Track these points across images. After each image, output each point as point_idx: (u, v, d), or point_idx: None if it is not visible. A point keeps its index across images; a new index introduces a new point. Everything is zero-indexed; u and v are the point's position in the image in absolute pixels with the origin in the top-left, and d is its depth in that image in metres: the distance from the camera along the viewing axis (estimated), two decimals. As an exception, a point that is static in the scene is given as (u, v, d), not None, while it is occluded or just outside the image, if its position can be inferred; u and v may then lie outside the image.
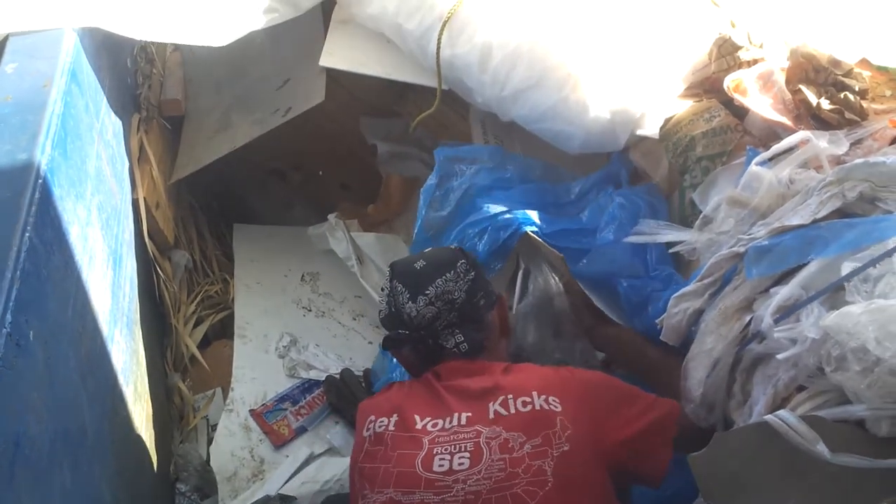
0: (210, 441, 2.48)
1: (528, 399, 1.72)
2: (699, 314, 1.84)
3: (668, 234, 2.09)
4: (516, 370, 1.83)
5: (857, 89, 2.05)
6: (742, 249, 1.78)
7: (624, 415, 1.74)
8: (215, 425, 2.51)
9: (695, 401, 1.76)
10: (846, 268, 1.50)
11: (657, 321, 1.94)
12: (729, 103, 2.19)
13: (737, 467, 1.43)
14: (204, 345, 2.75)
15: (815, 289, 1.56)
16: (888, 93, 2.10)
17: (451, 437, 1.69)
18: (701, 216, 2.03)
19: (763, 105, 2.10)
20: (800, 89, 2.08)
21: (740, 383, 1.69)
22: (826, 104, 2.03)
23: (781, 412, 1.42)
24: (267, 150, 3.13)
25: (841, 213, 1.72)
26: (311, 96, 2.73)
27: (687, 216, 2.18)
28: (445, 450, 1.68)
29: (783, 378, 1.54)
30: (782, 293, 1.61)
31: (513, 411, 1.70)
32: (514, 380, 1.78)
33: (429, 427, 1.73)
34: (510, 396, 1.72)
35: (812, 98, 2.05)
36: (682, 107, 2.28)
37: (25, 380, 1.44)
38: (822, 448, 1.34)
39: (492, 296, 1.95)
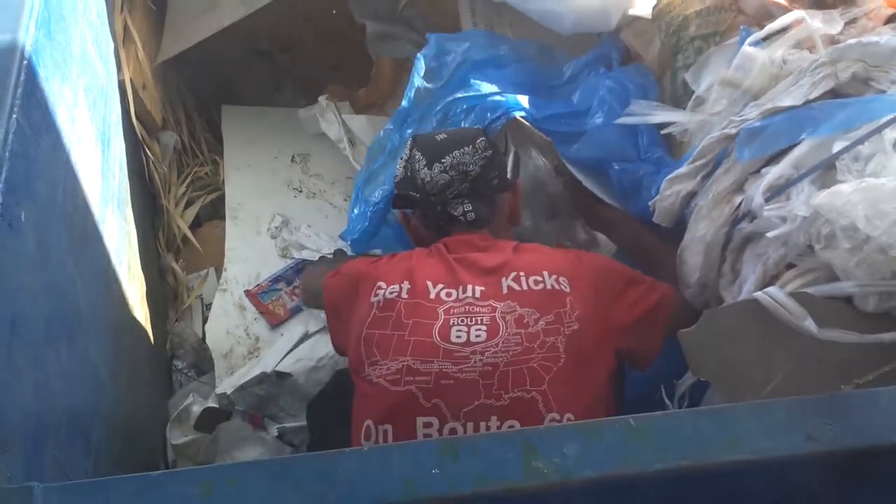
0: (205, 320, 2.52)
1: (539, 278, 1.74)
2: (691, 196, 1.85)
3: (660, 115, 2.08)
4: (526, 249, 1.85)
5: (853, -34, 2.02)
6: (734, 131, 1.77)
7: (629, 298, 1.79)
8: (210, 304, 2.55)
9: (692, 286, 1.78)
10: (837, 146, 1.50)
11: (650, 203, 1.95)
12: (723, -19, 2.16)
13: (726, 343, 1.46)
14: (195, 226, 2.76)
15: (806, 167, 1.57)
16: (885, -30, 2.07)
17: (467, 308, 1.71)
18: (693, 97, 2.02)
19: (758, -17, 2.07)
20: (795, -34, 2.05)
21: (730, 262, 1.71)
22: (821, -18, 2.01)
23: (770, 289, 1.44)
24: (254, 30, 3.08)
25: (834, 93, 1.71)
26: (298, -27, 2.68)
27: (679, 97, 2.17)
28: (462, 321, 1.69)
29: (773, 256, 1.56)
30: (773, 172, 1.62)
31: (525, 288, 1.73)
32: (524, 258, 1.80)
33: (442, 296, 1.74)
34: (522, 274, 1.75)
35: (808, -25, 2.02)
36: (676, -15, 2.25)
37: (19, 261, 1.45)
38: (809, 324, 1.37)
39: (506, 180, 1.97)
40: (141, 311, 2.25)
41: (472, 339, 1.66)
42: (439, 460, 1.18)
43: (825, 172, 1.55)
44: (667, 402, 1.68)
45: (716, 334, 1.48)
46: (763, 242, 1.59)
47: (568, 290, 1.73)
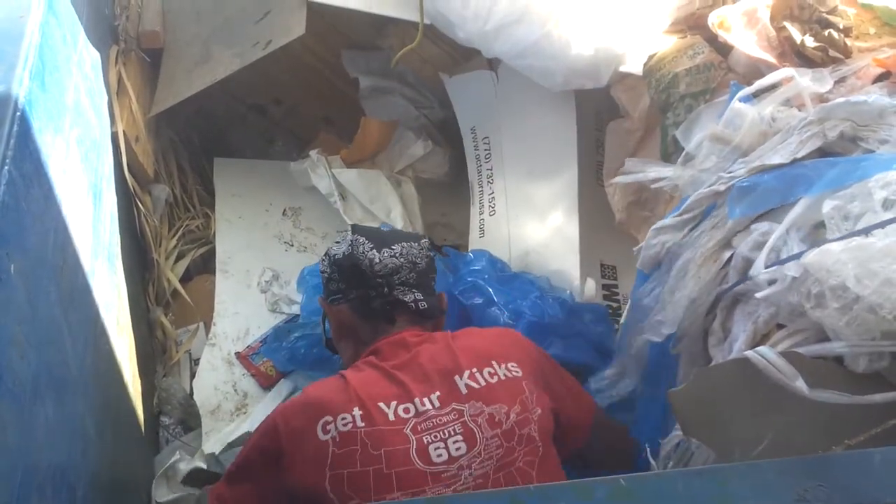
0: (193, 375, 2.50)
1: (491, 370, 1.72)
2: (677, 247, 1.86)
3: (652, 171, 2.09)
4: (460, 336, 1.83)
5: (841, 27, 2.04)
6: (722, 188, 1.78)
7: (566, 379, 1.88)
8: (198, 359, 2.53)
9: (660, 337, 1.79)
10: (828, 205, 1.51)
11: (634, 249, 1.98)
12: (713, 40, 2.18)
13: (716, 402, 1.46)
14: (185, 279, 2.75)
15: (797, 226, 1.57)
16: (872, 30, 2.09)
17: (433, 422, 1.64)
18: (683, 153, 2.03)
19: (747, 42, 2.10)
20: (784, 26, 2.07)
21: (720, 320, 1.71)
22: (810, 41, 2.03)
23: (761, 348, 1.43)
24: (247, 83, 3.11)
25: (821, 152, 1.73)
26: (291, 29, 2.70)
27: (669, 154, 2.18)
28: (436, 437, 1.62)
29: (763, 315, 1.56)
30: (761, 229, 1.63)
31: (483, 384, 1.69)
32: (466, 348, 1.76)
33: (401, 414, 1.65)
34: (475, 370, 1.71)
35: (796, 35, 2.04)
36: (666, 43, 2.27)
37: (7, 313, 1.43)
38: (800, 384, 1.36)
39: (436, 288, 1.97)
40: (129, 365, 2.23)
41: (454, 453, 1.61)
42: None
43: (815, 230, 1.56)
44: (651, 461, 1.67)
45: (706, 393, 1.48)
46: (753, 301, 1.59)
47: (521, 373, 1.73)
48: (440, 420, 1.64)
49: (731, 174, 1.78)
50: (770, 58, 2.06)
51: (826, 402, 1.35)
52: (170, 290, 2.68)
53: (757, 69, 2.07)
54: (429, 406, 1.66)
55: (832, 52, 2.00)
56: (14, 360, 1.43)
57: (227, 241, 2.80)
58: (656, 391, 1.90)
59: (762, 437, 1.36)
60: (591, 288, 2.44)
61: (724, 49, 2.16)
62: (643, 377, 1.98)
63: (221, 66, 2.82)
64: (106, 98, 2.41)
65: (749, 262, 1.64)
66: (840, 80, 1.94)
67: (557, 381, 1.84)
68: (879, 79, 1.90)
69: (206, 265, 2.81)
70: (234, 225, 2.86)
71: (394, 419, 1.64)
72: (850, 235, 1.43)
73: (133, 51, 2.81)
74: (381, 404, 1.66)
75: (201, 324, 2.63)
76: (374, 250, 1.85)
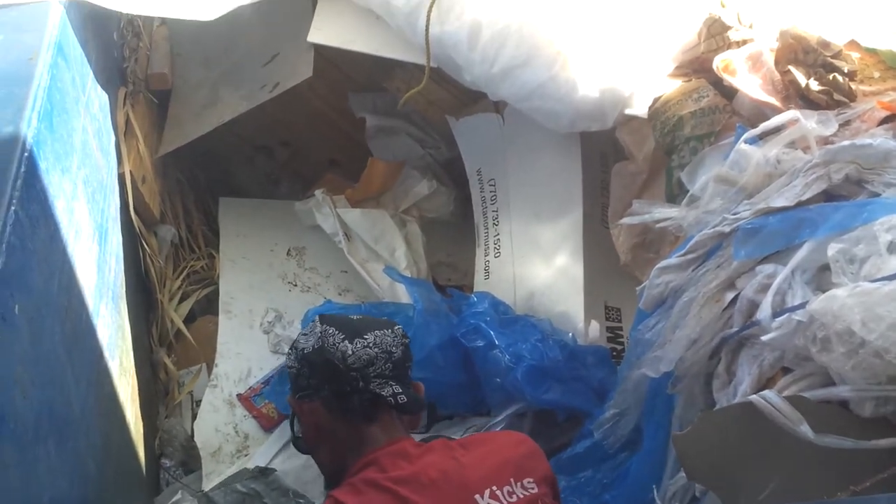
0: (195, 416, 2.48)
1: (510, 488, 1.63)
2: (680, 288, 1.85)
3: (658, 212, 2.09)
4: (470, 444, 1.72)
5: (845, 71, 2.05)
6: (727, 229, 1.78)
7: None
8: (200, 401, 2.52)
9: (657, 373, 1.78)
10: (832, 249, 1.51)
11: (637, 288, 1.98)
12: (718, 83, 2.19)
13: (720, 446, 1.45)
14: (189, 320, 2.75)
15: (803, 269, 1.57)
16: (877, 74, 2.10)
17: None
18: (688, 195, 2.03)
19: (752, 85, 2.10)
20: (789, 70, 2.08)
21: (725, 364, 1.70)
22: (815, 85, 2.03)
23: (766, 392, 1.43)
24: (254, 125, 3.12)
25: (826, 194, 1.72)
26: (298, 72, 2.72)
27: (674, 196, 2.18)
28: None
29: (768, 358, 1.55)
30: (766, 271, 1.63)
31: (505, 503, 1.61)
32: (479, 460, 1.66)
33: None
34: (494, 488, 1.61)
35: (801, 79, 2.05)
36: (671, 86, 2.28)
37: (10, 354, 1.43)
38: (805, 428, 1.35)
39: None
40: (131, 406, 2.22)
41: None
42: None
43: (820, 274, 1.56)
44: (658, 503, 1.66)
45: (710, 437, 1.47)
46: (758, 345, 1.58)
47: (536, 490, 1.66)
48: None
49: (736, 216, 1.78)
50: (775, 101, 2.06)
51: (831, 447, 1.34)
52: (173, 331, 2.67)
53: (761, 112, 2.08)
54: None
55: (837, 96, 2.01)
56: (17, 399, 1.43)
57: (230, 281, 2.80)
58: (657, 429, 1.89)
59: (767, 483, 1.35)
60: (595, 330, 2.43)
61: (728, 92, 2.17)
62: (643, 414, 1.97)
63: (229, 108, 2.84)
64: (113, 139, 2.43)
65: (754, 305, 1.63)
66: (845, 124, 1.95)
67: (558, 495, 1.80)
68: (884, 122, 1.90)
69: (210, 306, 2.81)
70: (238, 265, 2.86)
71: None
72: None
73: (141, 92, 2.82)
74: None
75: (204, 365, 2.63)
76: (346, 341, 1.72)
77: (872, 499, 1.23)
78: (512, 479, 1.63)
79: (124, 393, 2.16)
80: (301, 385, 1.77)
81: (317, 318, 1.79)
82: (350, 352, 1.70)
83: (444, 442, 1.71)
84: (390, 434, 1.72)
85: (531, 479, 1.66)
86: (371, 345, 1.72)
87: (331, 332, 1.74)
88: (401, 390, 1.72)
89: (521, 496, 1.62)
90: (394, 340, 1.76)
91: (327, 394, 1.73)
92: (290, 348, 1.81)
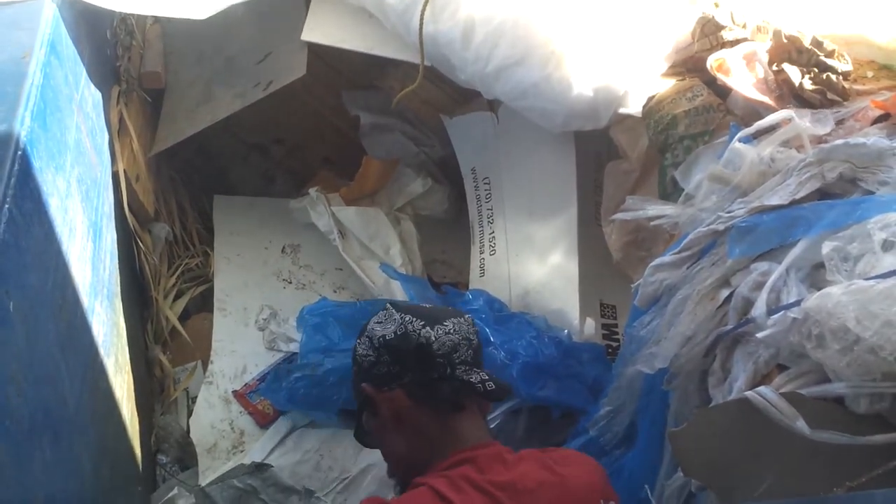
0: (190, 413, 2.49)
1: None
2: (675, 285, 1.86)
3: (652, 209, 2.10)
4: (559, 460, 1.63)
5: (839, 70, 2.05)
6: (722, 227, 1.79)
7: None
8: (196, 398, 2.52)
9: (652, 369, 1.78)
10: (827, 247, 1.51)
11: (632, 286, 1.98)
12: (712, 83, 2.20)
13: (716, 443, 1.45)
14: (184, 318, 2.75)
15: (797, 267, 1.58)
16: (870, 74, 2.11)
17: None
18: (683, 194, 2.04)
19: (746, 85, 2.11)
20: (782, 69, 2.08)
21: (720, 361, 1.70)
22: (808, 84, 2.04)
23: (762, 388, 1.43)
24: (248, 123, 3.12)
25: (820, 193, 1.73)
26: (292, 70, 2.72)
27: (667, 194, 2.19)
28: None
29: (763, 355, 1.55)
30: (761, 269, 1.64)
31: None
32: (572, 477, 1.59)
33: None
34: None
35: (795, 78, 2.05)
36: (665, 85, 2.29)
37: (5, 351, 1.43)
38: (801, 425, 1.36)
39: None
40: (127, 403, 2.22)
41: None
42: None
43: (814, 272, 1.56)
44: (653, 502, 1.66)
45: (706, 433, 1.47)
46: (753, 342, 1.59)
47: None
48: None
49: (731, 214, 1.79)
50: (768, 100, 2.07)
51: (827, 443, 1.34)
52: (168, 329, 2.67)
53: (755, 111, 2.08)
54: None
55: (830, 95, 2.02)
56: (11, 397, 1.43)
57: (225, 278, 2.80)
58: (651, 425, 1.90)
59: (764, 478, 1.36)
60: (591, 327, 2.44)
61: (722, 91, 2.17)
62: (638, 411, 1.97)
63: (223, 106, 2.83)
64: (107, 137, 2.43)
65: (749, 303, 1.64)
66: (839, 122, 1.95)
67: None
68: (878, 121, 1.91)
69: (205, 303, 2.81)
70: (232, 263, 2.86)
71: None
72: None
73: (134, 91, 2.82)
74: None
75: (199, 362, 2.63)
76: (428, 327, 1.65)
77: (868, 494, 1.23)
78: (602, 501, 1.58)
79: (120, 390, 2.16)
80: (380, 373, 1.68)
81: (388, 305, 1.73)
82: (434, 338, 1.64)
83: (532, 452, 1.64)
84: (479, 429, 1.67)
85: (613, 501, 1.61)
86: (452, 331, 1.66)
87: (409, 318, 1.67)
88: (487, 377, 1.67)
89: None
90: (469, 328, 1.71)
91: (411, 381, 1.66)
92: (363, 337, 1.72)
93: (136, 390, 2.33)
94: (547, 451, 1.65)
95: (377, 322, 1.71)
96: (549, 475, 1.55)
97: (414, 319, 1.66)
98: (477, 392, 1.65)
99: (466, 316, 1.74)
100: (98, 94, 2.38)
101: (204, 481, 2.30)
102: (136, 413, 2.30)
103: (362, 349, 1.70)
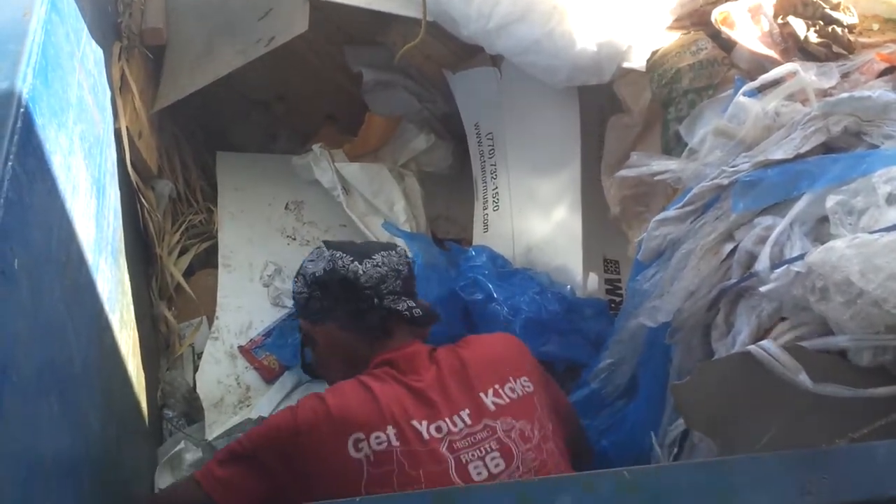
0: (196, 368, 2.50)
1: (512, 385, 1.72)
2: (678, 240, 1.86)
3: (656, 164, 2.09)
4: (468, 345, 1.80)
5: (845, 23, 2.04)
6: (726, 181, 1.79)
7: (553, 383, 1.89)
8: (201, 353, 2.53)
9: (655, 322, 1.79)
10: (831, 200, 1.51)
11: (635, 241, 1.99)
12: (716, 36, 2.18)
13: (719, 396, 1.46)
14: (188, 274, 2.75)
15: (801, 221, 1.58)
16: (876, 26, 2.10)
17: (469, 440, 1.63)
18: (687, 148, 2.03)
19: (751, 38, 2.10)
20: (788, 22, 2.07)
21: (723, 315, 1.71)
22: (814, 37, 2.03)
23: (764, 342, 1.44)
24: (250, 79, 3.10)
25: (825, 147, 1.73)
26: (293, 26, 2.70)
27: (670, 149, 2.18)
28: (473, 455, 1.61)
29: (767, 309, 1.56)
30: (764, 223, 1.64)
31: (507, 400, 1.69)
32: (479, 361, 1.74)
33: (433, 433, 1.63)
34: (497, 386, 1.70)
35: (800, 31, 2.04)
36: (669, 39, 2.27)
37: (11, 309, 1.44)
38: (804, 378, 1.37)
39: None
40: (132, 359, 2.23)
41: (493, 470, 1.60)
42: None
43: (818, 225, 1.56)
44: (657, 448, 1.68)
45: (709, 386, 1.48)
46: (757, 296, 1.59)
47: (531, 388, 1.74)
48: (475, 438, 1.64)
49: (735, 168, 1.79)
50: (773, 53, 2.06)
51: (829, 396, 1.35)
52: (173, 285, 2.68)
53: (760, 65, 2.07)
54: (461, 425, 1.65)
55: (836, 48, 2.01)
56: (18, 355, 1.44)
57: (229, 235, 2.80)
58: (653, 378, 1.91)
59: (766, 431, 1.37)
60: (594, 282, 2.44)
61: (727, 45, 2.16)
62: (639, 363, 1.98)
63: (224, 62, 2.82)
64: (109, 94, 2.42)
65: (752, 257, 1.64)
66: (844, 76, 1.94)
67: (552, 387, 1.88)
68: (883, 74, 1.90)
69: (209, 260, 2.81)
70: (236, 219, 2.85)
71: (428, 438, 1.62)
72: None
73: (136, 47, 2.80)
74: (415, 423, 1.63)
75: (204, 318, 2.63)
76: (356, 262, 1.82)
77: (870, 446, 1.24)
78: (511, 378, 1.73)
79: (125, 346, 2.17)
80: (314, 308, 1.86)
81: (321, 243, 1.89)
82: (361, 271, 1.80)
83: (447, 348, 1.79)
84: (402, 340, 1.80)
85: (527, 378, 1.74)
86: (380, 264, 1.82)
87: (338, 255, 1.84)
88: (414, 304, 1.82)
89: (521, 394, 1.71)
90: (399, 260, 1.86)
91: (341, 314, 1.83)
92: (297, 275, 1.89)
93: (141, 346, 2.34)
94: (462, 340, 1.83)
95: (310, 260, 1.89)
96: (455, 363, 1.73)
97: (343, 255, 1.82)
98: (404, 319, 1.80)
99: (399, 249, 1.91)
100: (100, 51, 2.36)
101: (210, 435, 2.32)
102: (141, 368, 2.31)
103: (297, 287, 1.89)
